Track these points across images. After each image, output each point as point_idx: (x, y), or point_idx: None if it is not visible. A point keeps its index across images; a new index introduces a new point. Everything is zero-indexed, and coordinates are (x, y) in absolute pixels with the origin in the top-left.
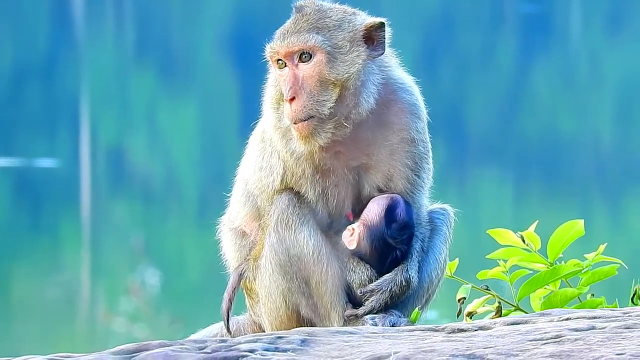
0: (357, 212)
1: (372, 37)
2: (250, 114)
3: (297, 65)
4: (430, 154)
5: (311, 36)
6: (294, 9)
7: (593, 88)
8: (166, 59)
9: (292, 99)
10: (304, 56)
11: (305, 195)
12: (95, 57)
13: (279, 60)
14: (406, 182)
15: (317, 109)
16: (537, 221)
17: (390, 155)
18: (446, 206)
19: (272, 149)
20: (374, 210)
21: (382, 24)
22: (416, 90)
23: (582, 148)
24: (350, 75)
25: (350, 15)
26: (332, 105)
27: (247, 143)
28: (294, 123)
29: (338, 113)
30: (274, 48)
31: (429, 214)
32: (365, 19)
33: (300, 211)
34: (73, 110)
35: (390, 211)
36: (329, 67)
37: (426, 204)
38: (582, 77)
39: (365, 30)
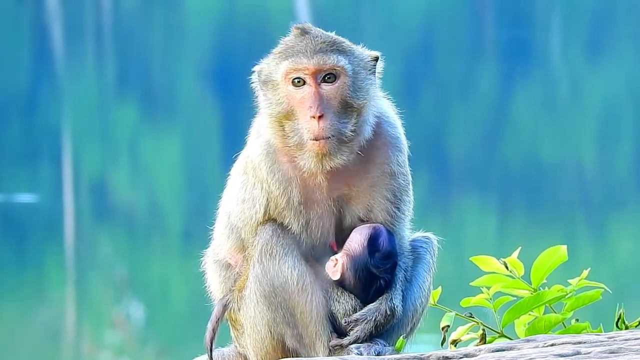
0: (340, 242)
1: (373, 69)
2: (232, 146)
3: (319, 84)
4: (411, 187)
5: (340, 57)
6: (296, 30)
7: (575, 113)
8: (147, 92)
9: (321, 116)
10: (328, 77)
11: (289, 227)
12: (77, 91)
13: (297, 78)
14: (386, 214)
15: (340, 130)
16: (520, 247)
17: (371, 187)
18: (429, 234)
19: (255, 180)
20: (357, 240)
21: (377, 57)
22: (399, 124)
23: (565, 173)
24: (366, 102)
25: (353, 44)
26: (352, 129)
27: (228, 175)
28: (316, 139)
29: (354, 138)
30: (298, 64)
31: (412, 242)
32: (365, 50)
33: (284, 241)
34: (55, 145)
35: (373, 241)
36: (351, 90)
37: (407, 235)
38: (564, 102)
39: (372, 60)
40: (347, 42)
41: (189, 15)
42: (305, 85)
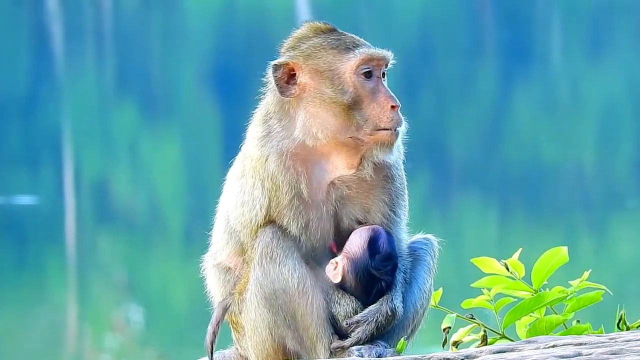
0: (339, 245)
1: None
2: (232, 147)
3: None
4: (406, 190)
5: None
6: (328, 26)
7: (574, 113)
8: (147, 93)
9: (398, 105)
10: (383, 72)
11: (288, 229)
12: (77, 92)
13: (368, 69)
14: (382, 217)
15: (402, 124)
16: (520, 249)
17: (369, 190)
18: (430, 236)
19: (254, 181)
20: (357, 242)
21: None
22: None
23: (565, 174)
24: None
25: None
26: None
27: (224, 180)
28: (394, 129)
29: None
30: (377, 55)
31: (412, 244)
32: None
33: (284, 244)
34: (55, 147)
35: (373, 243)
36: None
37: (405, 237)
38: (563, 102)
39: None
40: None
41: (189, 16)
42: (372, 77)
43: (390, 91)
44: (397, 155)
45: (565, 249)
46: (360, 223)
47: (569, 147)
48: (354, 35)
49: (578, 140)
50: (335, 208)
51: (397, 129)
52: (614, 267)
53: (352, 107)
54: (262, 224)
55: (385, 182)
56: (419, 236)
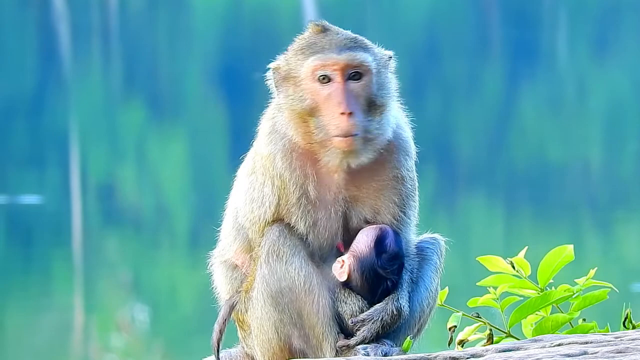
0: (346, 243)
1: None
2: (239, 146)
3: (346, 81)
4: (417, 192)
5: (366, 55)
6: (316, 27)
7: (581, 113)
8: (154, 93)
9: (350, 112)
10: (354, 74)
11: (296, 227)
12: (83, 92)
13: (323, 75)
14: (392, 217)
15: (367, 128)
16: (526, 247)
17: (379, 191)
18: (436, 235)
19: (264, 178)
20: (364, 241)
21: (391, 57)
22: (408, 128)
23: (571, 173)
24: (389, 101)
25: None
26: (377, 127)
27: (235, 177)
28: (345, 136)
29: (377, 137)
30: (327, 60)
31: (419, 244)
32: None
33: (291, 242)
34: (61, 146)
35: (379, 242)
36: (375, 88)
37: (413, 239)
38: (570, 102)
39: (389, 59)
40: (367, 40)
41: (196, 16)
42: (331, 82)
43: (346, 96)
44: (409, 156)
45: (571, 247)
46: (368, 223)
47: (575, 146)
48: (339, 36)
49: (584, 139)
50: (344, 208)
51: (355, 135)
52: (620, 265)
53: (311, 113)
54: (270, 222)
55: (396, 183)
56: (426, 236)
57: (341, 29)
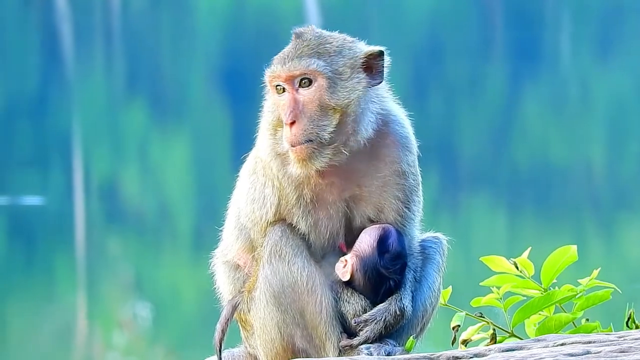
0: (349, 243)
1: (371, 66)
2: (242, 147)
3: (297, 90)
4: (420, 187)
5: (312, 61)
6: (293, 35)
7: (584, 113)
8: (157, 94)
9: (293, 122)
10: (304, 81)
11: (298, 227)
12: (86, 93)
13: (277, 85)
14: (396, 214)
15: (317, 133)
16: (530, 247)
17: (382, 187)
18: (439, 235)
19: (265, 179)
20: (366, 241)
21: (381, 53)
22: (407, 123)
23: (574, 173)
24: (350, 102)
25: (350, 43)
26: (332, 130)
27: (238, 176)
28: (292, 146)
29: (337, 139)
30: (274, 72)
31: (421, 243)
32: (364, 47)
33: (293, 242)
34: (64, 147)
35: (382, 241)
36: (329, 92)
37: (417, 235)
38: (573, 102)
39: (365, 57)
40: (335, 42)
41: (198, 17)
42: (285, 92)
43: (290, 106)
44: (409, 151)
45: (574, 247)
46: (372, 221)
47: (578, 147)
48: (303, 43)
49: (587, 140)
50: (346, 207)
51: (302, 143)
52: (623, 266)
53: (279, 124)
54: (272, 222)
55: (398, 179)
56: (428, 235)
57: (317, 35)
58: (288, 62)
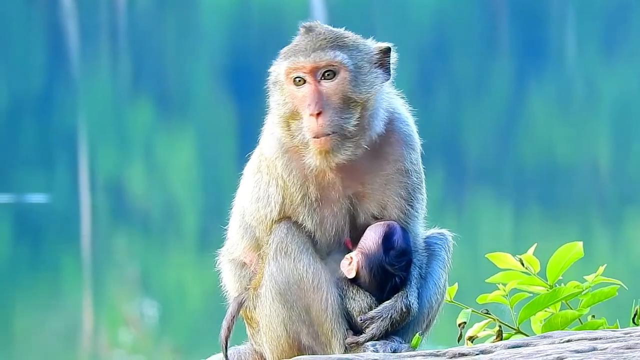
0: (354, 240)
1: (382, 62)
2: (247, 145)
3: (319, 81)
4: (424, 185)
5: (337, 53)
6: (302, 28)
7: (589, 111)
8: (162, 92)
9: (319, 113)
10: (327, 73)
11: (303, 225)
12: (92, 91)
13: (297, 77)
14: (399, 211)
15: (342, 126)
16: (535, 244)
17: (385, 185)
18: (444, 231)
19: (269, 178)
20: (372, 238)
21: (389, 49)
22: (411, 121)
23: (580, 170)
24: (370, 96)
25: (361, 39)
26: (355, 123)
27: (242, 174)
28: (317, 137)
29: (359, 133)
30: (297, 63)
31: (426, 239)
32: (374, 43)
33: (299, 239)
34: (70, 145)
35: (387, 238)
36: (352, 85)
37: (421, 232)
38: (578, 100)
39: (378, 53)
40: (350, 37)
41: (204, 15)
42: (305, 84)
43: (315, 97)
44: (412, 149)
45: (580, 244)
46: (376, 218)
47: (584, 145)
48: (319, 36)
49: (593, 138)
50: (350, 205)
51: (328, 134)
52: (628, 262)
53: (293, 117)
54: (277, 220)
55: (401, 176)
56: (433, 231)
57: (329, 28)
58: (312, 53)
